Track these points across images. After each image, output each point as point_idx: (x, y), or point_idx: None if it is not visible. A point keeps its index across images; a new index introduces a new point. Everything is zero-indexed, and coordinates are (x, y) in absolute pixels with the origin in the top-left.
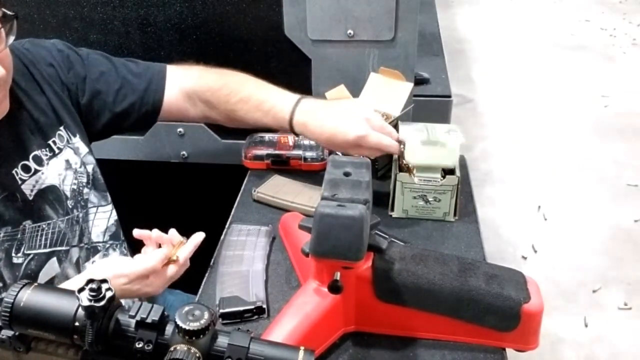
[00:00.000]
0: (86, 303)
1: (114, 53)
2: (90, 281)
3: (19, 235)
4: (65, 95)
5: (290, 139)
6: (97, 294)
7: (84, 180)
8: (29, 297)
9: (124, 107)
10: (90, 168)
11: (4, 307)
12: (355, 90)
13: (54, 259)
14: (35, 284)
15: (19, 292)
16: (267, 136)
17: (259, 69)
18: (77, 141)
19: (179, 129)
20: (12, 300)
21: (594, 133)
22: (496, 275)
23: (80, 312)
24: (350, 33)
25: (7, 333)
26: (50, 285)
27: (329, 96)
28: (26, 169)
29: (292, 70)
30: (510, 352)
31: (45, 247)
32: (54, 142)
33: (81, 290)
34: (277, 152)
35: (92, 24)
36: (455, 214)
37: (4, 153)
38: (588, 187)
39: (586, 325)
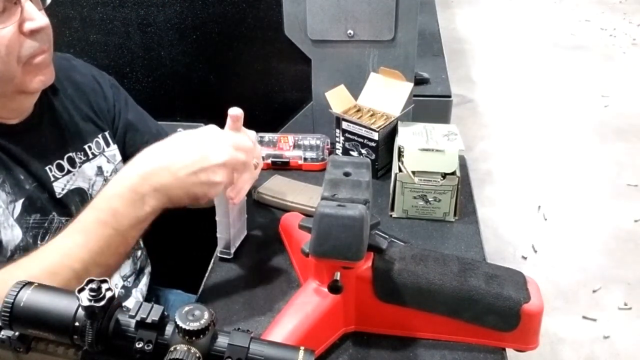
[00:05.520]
0: (86, 303)
1: (114, 53)
2: (90, 281)
3: (46, 224)
4: (109, 115)
5: (291, 138)
6: (97, 294)
7: None
8: (29, 297)
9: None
10: None
11: (4, 307)
12: (355, 90)
13: None
14: (36, 283)
15: (19, 292)
16: (267, 136)
17: (259, 69)
18: (114, 149)
19: (178, 129)
20: (12, 300)
21: (594, 133)
22: (496, 275)
23: (80, 312)
24: (350, 33)
25: (7, 333)
26: (50, 285)
27: (329, 96)
28: (60, 168)
29: (292, 70)
30: (510, 352)
31: None
32: (90, 147)
33: (81, 290)
34: (277, 152)
35: (92, 24)
36: (455, 214)
37: (43, 149)
38: (588, 187)
39: (586, 326)
